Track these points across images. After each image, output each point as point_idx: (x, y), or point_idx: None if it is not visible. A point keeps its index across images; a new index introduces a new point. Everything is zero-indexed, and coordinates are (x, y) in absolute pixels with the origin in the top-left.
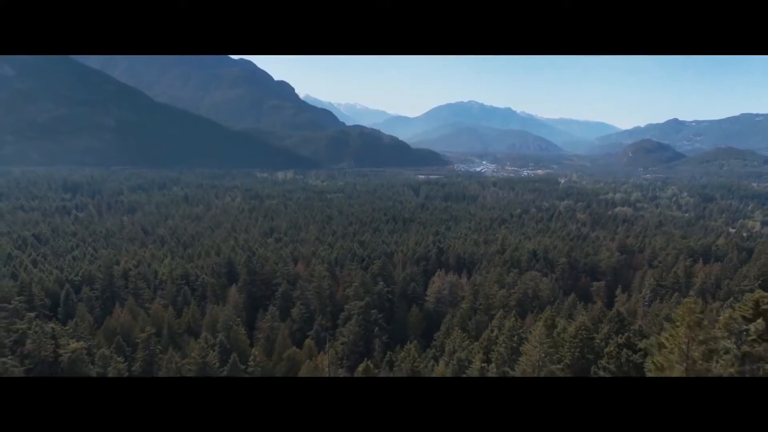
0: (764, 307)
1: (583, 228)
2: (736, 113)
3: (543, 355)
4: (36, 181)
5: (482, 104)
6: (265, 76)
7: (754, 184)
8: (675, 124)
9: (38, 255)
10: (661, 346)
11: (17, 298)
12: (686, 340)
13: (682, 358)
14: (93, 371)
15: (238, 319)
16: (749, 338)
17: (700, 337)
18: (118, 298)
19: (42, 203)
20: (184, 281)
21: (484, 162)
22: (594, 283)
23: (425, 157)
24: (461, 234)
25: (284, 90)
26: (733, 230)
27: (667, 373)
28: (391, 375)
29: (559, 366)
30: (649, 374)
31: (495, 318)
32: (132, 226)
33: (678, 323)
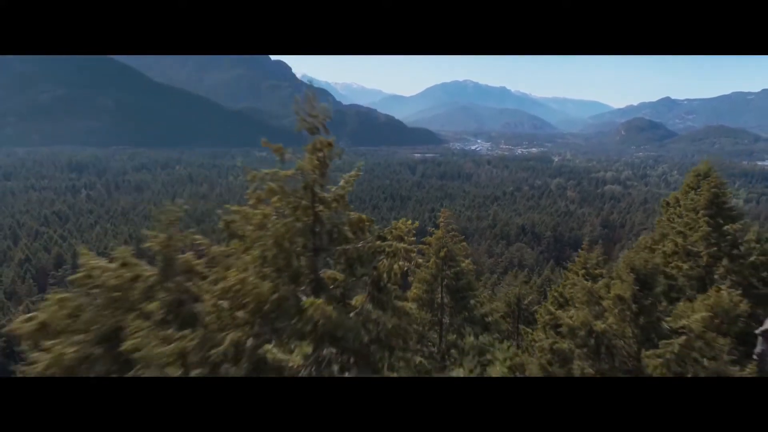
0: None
1: (571, 205)
2: (728, 92)
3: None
4: (41, 161)
5: (477, 83)
6: (262, 56)
7: (744, 162)
8: (667, 103)
9: (64, 231)
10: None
11: (63, 266)
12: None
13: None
14: None
15: None
16: None
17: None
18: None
19: (51, 183)
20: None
21: (479, 140)
22: (574, 253)
23: (421, 136)
24: (455, 211)
25: (281, 70)
26: None
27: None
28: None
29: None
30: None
31: (480, 280)
32: (145, 204)
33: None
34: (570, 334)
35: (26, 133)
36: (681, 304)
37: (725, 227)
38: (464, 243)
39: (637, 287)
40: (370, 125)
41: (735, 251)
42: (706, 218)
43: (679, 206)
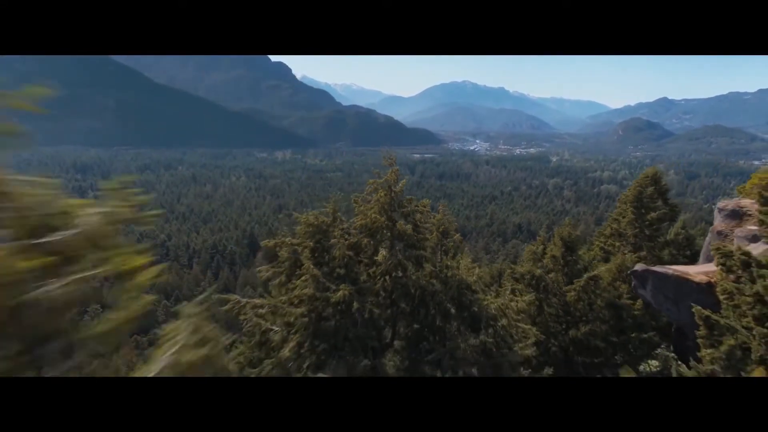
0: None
1: (567, 204)
2: (725, 92)
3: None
4: (45, 161)
5: (476, 84)
6: (262, 57)
7: (741, 162)
8: (665, 103)
9: None
10: None
11: None
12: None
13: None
14: (159, 317)
15: None
16: None
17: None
18: (160, 264)
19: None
20: (214, 250)
21: (477, 141)
22: None
23: (420, 136)
24: (454, 210)
25: (281, 71)
26: (706, 206)
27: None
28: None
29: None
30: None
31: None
32: (152, 205)
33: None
34: (521, 278)
35: (28, 133)
36: (596, 262)
37: (647, 216)
38: (455, 223)
39: (564, 249)
40: (369, 126)
41: (654, 234)
42: (632, 209)
43: None
